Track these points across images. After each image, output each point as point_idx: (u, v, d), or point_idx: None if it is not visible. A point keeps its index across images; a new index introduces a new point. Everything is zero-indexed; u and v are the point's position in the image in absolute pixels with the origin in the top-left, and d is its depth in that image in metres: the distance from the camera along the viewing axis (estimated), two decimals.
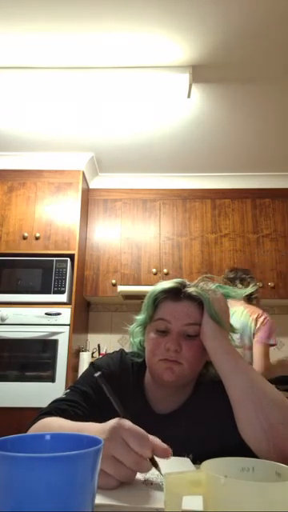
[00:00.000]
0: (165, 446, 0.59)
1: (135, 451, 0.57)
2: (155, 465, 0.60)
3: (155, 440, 0.59)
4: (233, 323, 0.90)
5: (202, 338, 0.83)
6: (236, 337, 0.94)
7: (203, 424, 0.86)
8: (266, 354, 2.30)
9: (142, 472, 0.59)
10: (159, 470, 0.60)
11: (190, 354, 0.83)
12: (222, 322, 0.83)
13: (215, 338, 0.81)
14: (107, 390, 0.63)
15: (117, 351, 1.01)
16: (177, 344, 0.83)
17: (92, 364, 0.98)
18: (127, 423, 0.59)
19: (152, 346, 0.86)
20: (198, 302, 0.85)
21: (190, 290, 0.86)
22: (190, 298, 0.86)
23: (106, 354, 1.02)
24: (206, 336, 0.82)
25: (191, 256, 3.22)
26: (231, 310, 2.59)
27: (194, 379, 0.91)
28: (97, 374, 0.63)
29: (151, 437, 0.59)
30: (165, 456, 0.59)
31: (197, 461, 0.80)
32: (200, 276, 0.93)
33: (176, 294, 0.87)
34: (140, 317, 0.94)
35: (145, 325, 0.93)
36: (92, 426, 0.64)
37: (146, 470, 0.58)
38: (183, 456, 0.84)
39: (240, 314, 2.39)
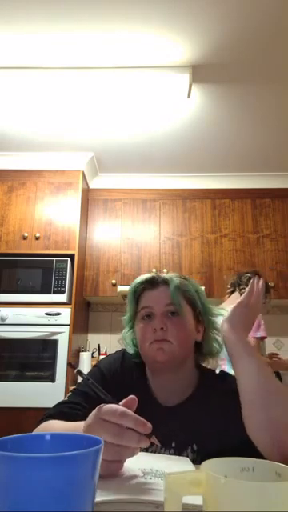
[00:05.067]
0: (145, 421, 0.60)
1: (114, 423, 0.58)
2: (149, 437, 0.61)
3: (137, 416, 0.60)
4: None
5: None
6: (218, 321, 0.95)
7: (208, 417, 0.87)
8: (256, 349, 2.26)
9: (125, 443, 0.58)
10: (155, 442, 0.62)
11: (175, 331, 0.88)
12: (196, 301, 0.93)
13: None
14: (84, 377, 0.66)
15: (118, 351, 1.03)
16: (162, 323, 0.88)
17: (95, 365, 1.01)
18: (105, 405, 0.61)
19: (141, 334, 0.91)
20: (173, 285, 0.92)
21: (164, 275, 0.95)
22: (166, 282, 0.93)
23: (109, 354, 1.04)
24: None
25: (191, 256, 3.22)
26: (221, 312, 2.56)
27: (189, 360, 0.93)
28: (76, 370, 0.66)
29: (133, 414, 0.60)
30: (145, 430, 0.59)
31: (202, 453, 0.83)
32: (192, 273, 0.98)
33: (152, 282, 0.94)
34: (126, 316, 0.99)
35: (132, 322, 0.96)
36: (83, 422, 0.66)
37: (129, 441, 0.58)
38: (188, 447, 0.85)
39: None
